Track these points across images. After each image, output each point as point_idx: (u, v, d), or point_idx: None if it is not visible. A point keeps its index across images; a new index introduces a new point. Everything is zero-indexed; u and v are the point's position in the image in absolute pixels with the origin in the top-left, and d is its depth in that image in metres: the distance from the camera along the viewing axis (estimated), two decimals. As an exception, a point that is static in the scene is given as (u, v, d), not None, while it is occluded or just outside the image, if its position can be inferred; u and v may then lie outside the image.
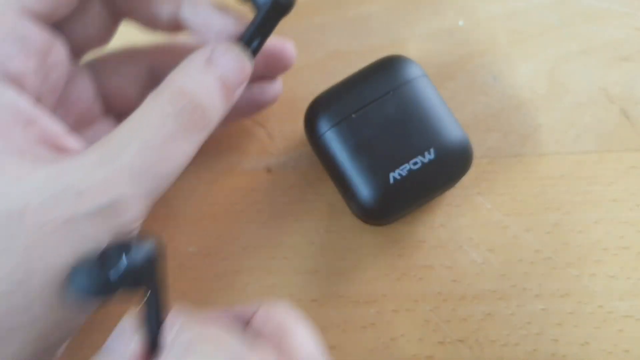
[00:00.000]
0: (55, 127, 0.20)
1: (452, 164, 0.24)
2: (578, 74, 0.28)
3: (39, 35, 0.20)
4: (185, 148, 0.20)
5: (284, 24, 0.30)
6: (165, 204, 0.26)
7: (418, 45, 0.29)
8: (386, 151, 0.23)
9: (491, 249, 0.26)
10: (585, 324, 0.25)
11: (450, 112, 0.25)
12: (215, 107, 0.21)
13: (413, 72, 0.24)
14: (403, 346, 0.26)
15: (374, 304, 0.26)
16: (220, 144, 0.28)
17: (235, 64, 0.21)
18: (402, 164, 0.23)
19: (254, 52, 0.22)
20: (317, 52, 0.29)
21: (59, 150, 0.20)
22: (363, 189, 0.24)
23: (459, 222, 0.27)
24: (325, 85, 0.26)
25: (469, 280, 0.26)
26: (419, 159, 0.23)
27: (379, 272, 0.26)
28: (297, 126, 0.28)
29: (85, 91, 0.24)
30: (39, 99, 0.20)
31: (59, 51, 0.21)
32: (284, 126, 0.28)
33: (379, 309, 0.26)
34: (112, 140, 0.19)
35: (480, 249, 0.26)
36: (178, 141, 0.20)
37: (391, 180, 0.23)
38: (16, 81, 0.19)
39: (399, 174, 0.23)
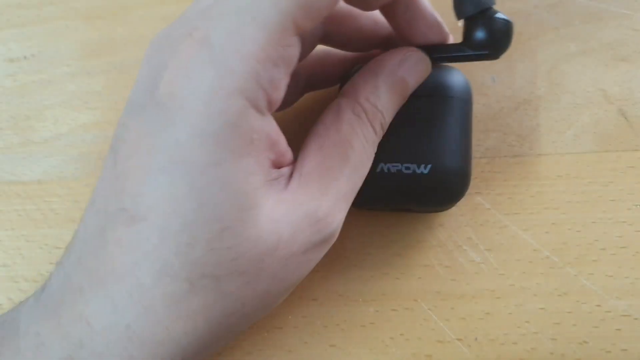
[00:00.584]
0: (281, 143, 0.20)
1: (441, 188, 0.24)
2: (576, 75, 0.28)
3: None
4: (371, 162, 0.22)
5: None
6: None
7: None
8: (389, 142, 0.23)
9: (490, 248, 0.26)
10: (584, 323, 0.25)
11: (469, 144, 0.24)
12: (392, 117, 0.23)
13: (459, 90, 0.24)
14: (402, 345, 0.26)
15: (373, 303, 0.26)
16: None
17: (421, 73, 0.23)
18: (396, 162, 0.23)
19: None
20: (318, 53, 0.29)
21: (281, 162, 0.21)
22: None
23: (457, 222, 0.27)
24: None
25: (467, 279, 0.26)
26: (413, 167, 0.23)
27: (379, 271, 0.26)
28: (298, 127, 0.28)
29: None
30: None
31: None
32: (285, 126, 0.28)
33: (379, 308, 0.26)
34: (327, 164, 0.20)
35: (479, 248, 0.26)
36: (370, 158, 0.22)
37: (378, 169, 0.23)
38: (257, 107, 0.19)
39: (388, 168, 0.23)
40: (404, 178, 0.23)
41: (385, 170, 0.23)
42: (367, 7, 0.22)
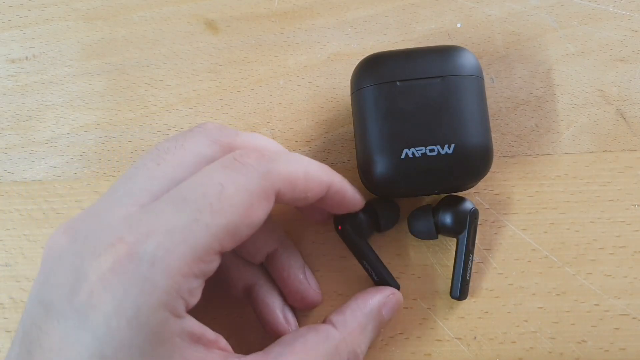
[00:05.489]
0: (204, 332, 0.20)
1: (466, 166, 0.24)
2: (575, 75, 0.28)
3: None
4: None
5: (287, 26, 0.30)
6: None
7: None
8: (410, 127, 0.24)
9: (488, 248, 0.27)
10: (582, 322, 0.26)
11: (487, 120, 0.24)
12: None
13: (471, 69, 0.24)
14: (402, 344, 0.26)
15: (373, 302, 0.26)
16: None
17: (396, 311, 0.25)
18: (420, 145, 0.23)
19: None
20: (318, 54, 0.29)
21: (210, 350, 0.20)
22: (376, 154, 0.24)
23: (457, 222, 0.27)
24: (324, 86, 0.27)
25: (466, 278, 0.26)
26: (437, 148, 0.23)
27: (378, 271, 0.27)
28: (298, 126, 0.29)
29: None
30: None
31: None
32: (285, 126, 0.29)
33: (378, 307, 0.26)
34: None
35: (478, 247, 0.27)
36: None
37: (402, 155, 0.23)
38: (177, 315, 0.19)
39: (413, 153, 0.23)
40: (430, 160, 0.23)
41: (410, 156, 0.23)
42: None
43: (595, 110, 0.28)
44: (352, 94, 0.25)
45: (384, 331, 0.26)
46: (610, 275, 0.26)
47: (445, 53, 0.24)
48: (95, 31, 0.31)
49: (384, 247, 0.27)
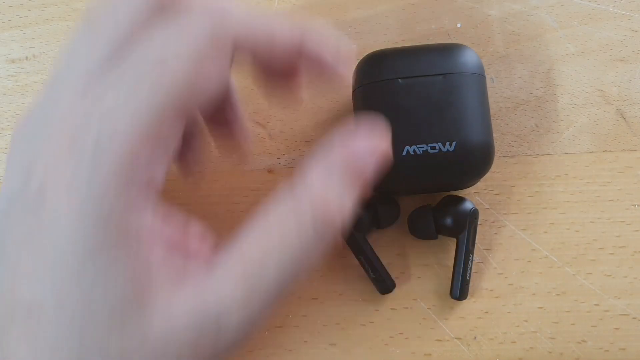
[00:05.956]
0: (178, 228, 0.19)
1: (467, 164, 0.24)
2: (575, 75, 0.28)
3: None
4: (314, 263, 0.19)
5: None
6: (166, 204, 0.27)
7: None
8: (412, 125, 0.24)
9: (488, 247, 0.27)
10: (582, 322, 0.26)
11: (489, 118, 0.24)
12: (347, 217, 0.19)
13: (473, 67, 0.24)
14: (402, 344, 0.26)
15: (373, 302, 0.26)
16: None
17: (375, 167, 0.20)
18: (421, 142, 0.23)
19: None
20: (317, 54, 0.29)
21: (186, 251, 0.19)
22: None
23: (457, 222, 0.27)
24: (324, 86, 0.26)
25: (466, 278, 0.26)
26: (438, 145, 0.23)
27: (378, 271, 0.27)
28: (298, 126, 0.29)
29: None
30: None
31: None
32: (285, 126, 0.29)
33: (378, 307, 0.26)
34: (250, 259, 0.18)
35: (478, 247, 0.27)
36: (310, 257, 0.19)
37: (404, 152, 0.23)
38: (135, 197, 0.18)
39: (414, 151, 0.23)
40: (431, 158, 0.23)
41: (411, 153, 0.24)
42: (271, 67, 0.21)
43: (595, 110, 0.28)
44: (353, 91, 0.25)
45: (384, 331, 0.26)
46: (610, 275, 0.26)
47: (448, 51, 0.24)
48: (95, 31, 0.31)
49: (384, 247, 0.27)
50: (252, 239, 0.18)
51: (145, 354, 0.17)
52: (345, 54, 0.20)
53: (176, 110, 0.17)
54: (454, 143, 0.23)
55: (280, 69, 0.20)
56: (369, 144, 0.20)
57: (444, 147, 0.23)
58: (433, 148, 0.23)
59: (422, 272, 0.27)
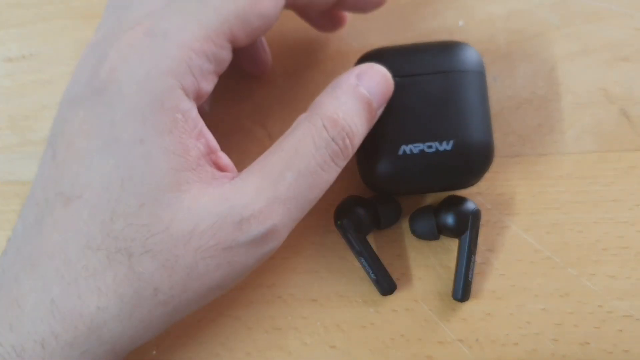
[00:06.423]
0: (213, 142, 0.21)
1: (465, 163, 0.24)
2: (578, 75, 0.28)
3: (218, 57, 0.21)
4: (331, 176, 0.21)
5: (285, 25, 0.30)
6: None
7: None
8: (409, 123, 0.23)
9: (491, 248, 0.26)
10: (585, 324, 0.25)
11: (489, 117, 0.24)
12: (360, 133, 0.22)
13: (473, 64, 0.24)
14: (403, 346, 0.26)
15: (373, 304, 0.26)
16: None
17: (382, 87, 0.23)
18: (417, 142, 0.23)
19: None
20: (318, 53, 0.29)
21: (216, 165, 0.21)
22: (374, 150, 0.24)
23: (458, 222, 0.27)
24: (324, 85, 0.26)
25: (468, 280, 0.26)
26: (435, 144, 0.23)
27: (379, 272, 0.26)
28: (297, 126, 0.28)
29: None
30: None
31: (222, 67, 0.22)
32: (284, 126, 0.28)
33: (379, 309, 0.26)
34: (268, 167, 0.20)
35: (480, 248, 0.26)
36: (326, 169, 0.21)
37: (400, 152, 0.23)
38: (187, 93, 0.20)
39: (410, 150, 0.23)
40: (427, 157, 0.23)
41: (408, 152, 0.23)
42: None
43: (598, 110, 0.28)
44: None
45: (385, 333, 0.26)
46: (613, 277, 0.26)
47: (448, 48, 0.24)
48: (92, 30, 0.30)
49: (385, 248, 0.27)
50: (271, 156, 0.21)
51: (170, 234, 0.19)
52: None
53: (233, 33, 0.21)
54: (451, 142, 0.23)
55: (326, 6, 0.24)
56: (370, 74, 0.22)
57: (441, 146, 0.23)
58: (430, 147, 0.23)
59: (423, 273, 0.26)
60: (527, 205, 0.27)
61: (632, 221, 0.26)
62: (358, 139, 0.22)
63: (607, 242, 0.26)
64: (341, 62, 0.29)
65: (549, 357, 0.25)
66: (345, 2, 0.24)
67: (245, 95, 0.29)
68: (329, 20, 0.27)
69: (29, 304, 0.19)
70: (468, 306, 0.26)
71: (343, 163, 0.22)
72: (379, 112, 0.23)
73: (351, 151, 0.22)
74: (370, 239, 0.26)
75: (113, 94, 0.19)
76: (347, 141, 0.21)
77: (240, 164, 0.22)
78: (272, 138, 0.28)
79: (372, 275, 0.25)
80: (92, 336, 0.19)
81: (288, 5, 0.22)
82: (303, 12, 0.27)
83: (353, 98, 0.22)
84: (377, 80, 0.22)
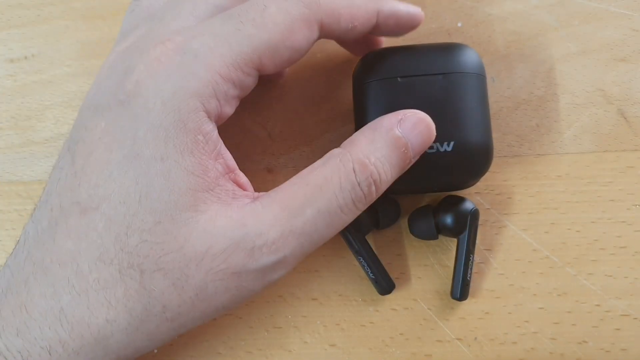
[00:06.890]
0: (232, 162, 0.21)
1: (465, 164, 0.24)
2: (576, 75, 0.28)
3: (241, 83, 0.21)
4: (350, 218, 0.21)
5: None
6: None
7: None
8: None
9: (489, 248, 0.26)
10: (583, 323, 0.26)
11: (488, 118, 0.24)
12: (388, 181, 0.22)
13: (473, 66, 0.24)
14: (402, 344, 0.26)
15: (373, 303, 0.26)
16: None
17: (422, 136, 0.22)
18: None
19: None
20: (318, 54, 0.29)
21: (236, 184, 0.21)
22: None
23: (457, 222, 0.27)
24: (324, 85, 0.26)
25: (467, 279, 0.26)
26: (435, 145, 0.23)
27: (378, 271, 0.26)
28: (298, 126, 0.29)
29: None
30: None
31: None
32: (284, 126, 0.29)
33: (378, 308, 0.26)
34: (290, 199, 0.20)
35: (479, 248, 0.26)
36: (346, 212, 0.21)
37: None
38: (210, 115, 0.20)
39: None
40: (428, 158, 0.23)
41: None
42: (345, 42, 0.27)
43: (596, 110, 0.28)
44: (353, 89, 0.25)
45: (384, 331, 0.26)
46: (611, 276, 0.26)
47: (448, 50, 0.24)
48: (94, 30, 0.31)
49: (384, 247, 0.27)
50: (295, 187, 0.21)
51: (184, 254, 0.19)
52: (413, 14, 0.24)
53: (262, 62, 0.21)
54: (452, 143, 0.23)
55: (360, 36, 0.24)
56: (413, 121, 0.22)
57: (442, 147, 0.23)
58: (431, 148, 0.23)
59: (422, 272, 0.26)
60: (525, 205, 0.27)
61: (630, 221, 0.26)
62: (385, 186, 0.21)
63: (605, 241, 0.26)
64: (341, 62, 0.29)
65: (548, 356, 0.25)
66: (381, 28, 0.24)
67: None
68: (365, 45, 0.27)
69: (38, 310, 0.19)
70: (467, 305, 0.26)
71: (364, 207, 0.21)
72: (414, 159, 0.22)
73: (375, 197, 0.21)
74: (370, 238, 0.27)
75: (138, 108, 0.20)
76: (373, 188, 0.21)
77: (241, 164, 0.22)
78: (272, 138, 0.28)
79: (371, 275, 0.25)
80: (99, 346, 0.19)
81: (322, 37, 0.22)
82: (338, 40, 0.27)
83: (389, 144, 0.21)
84: (419, 129, 0.22)
